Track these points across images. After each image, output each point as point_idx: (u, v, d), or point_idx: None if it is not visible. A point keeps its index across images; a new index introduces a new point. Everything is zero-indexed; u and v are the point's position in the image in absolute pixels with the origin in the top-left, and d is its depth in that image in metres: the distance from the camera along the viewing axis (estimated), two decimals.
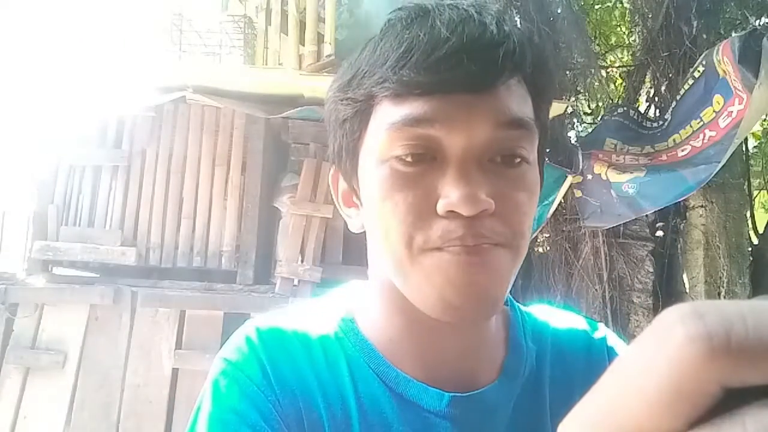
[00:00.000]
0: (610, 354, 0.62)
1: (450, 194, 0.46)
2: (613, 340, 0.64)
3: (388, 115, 0.49)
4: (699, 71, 2.59)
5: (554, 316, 0.65)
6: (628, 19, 4.24)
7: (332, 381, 0.54)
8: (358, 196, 0.55)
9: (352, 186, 0.56)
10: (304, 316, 0.59)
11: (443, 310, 0.48)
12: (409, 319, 0.54)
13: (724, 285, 3.04)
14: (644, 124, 2.88)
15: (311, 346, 0.56)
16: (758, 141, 4.41)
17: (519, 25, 0.54)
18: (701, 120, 2.53)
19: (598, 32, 4.32)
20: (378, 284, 0.57)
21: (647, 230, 3.26)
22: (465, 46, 0.46)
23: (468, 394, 0.54)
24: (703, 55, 2.60)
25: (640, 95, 3.72)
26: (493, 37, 0.48)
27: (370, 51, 0.51)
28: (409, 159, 0.48)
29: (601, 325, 0.66)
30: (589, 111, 4.02)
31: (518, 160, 0.50)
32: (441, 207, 0.47)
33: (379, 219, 0.50)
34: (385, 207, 0.49)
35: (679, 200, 2.82)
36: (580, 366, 0.60)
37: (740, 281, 3.04)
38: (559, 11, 3.49)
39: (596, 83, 3.58)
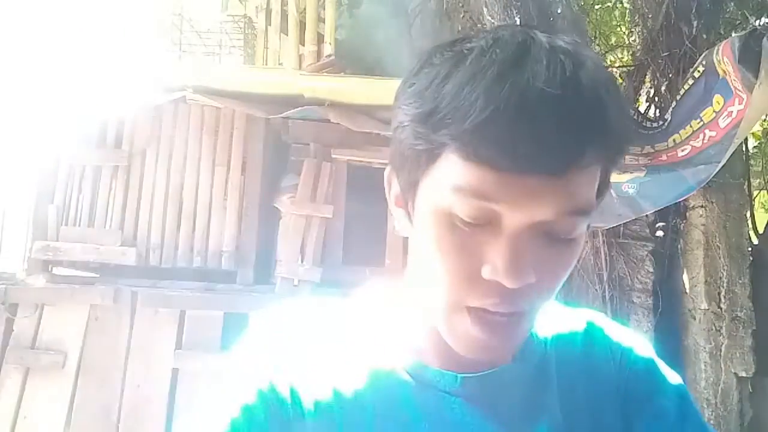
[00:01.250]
0: (605, 338, 0.66)
1: (498, 264, 0.47)
2: (604, 323, 0.68)
3: (455, 175, 0.48)
4: (699, 71, 2.59)
5: (558, 310, 0.68)
6: (628, 19, 4.24)
7: (351, 367, 0.59)
8: (409, 212, 0.56)
9: (406, 204, 0.56)
10: (336, 308, 0.65)
11: (463, 353, 0.54)
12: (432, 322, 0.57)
13: (724, 285, 3.04)
14: (644, 124, 2.88)
15: (336, 334, 0.62)
16: (758, 141, 4.41)
17: (612, 89, 0.48)
18: (701, 120, 2.53)
19: (598, 32, 4.32)
20: (409, 285, 0.61)
21: (647, 230, 3.26)
22: (553, 127, 0.44)
23: (480, 373, 0.58)
24: (703, 55, 2.59)
25: (640, 95, 3.72)
26: (586, 119, 0.45)
27: (454, 86, 0.47)
28: (467, 220, 0.48)
29: (592, 313, 0.70)
30: None
31: (570, 237, 0.50)
32: (486, 272, 0.48)
33: (426, 257, 0.52)
34: (435, 255, 0.50)
35: (679, 200, 2.82)
36: (578, 349, 0.64)
37: (740, 281, 3.04)
38: (559, 11, 3.49)
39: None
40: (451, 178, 0.48)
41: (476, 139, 0.45)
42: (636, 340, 0.67)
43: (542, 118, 0.44)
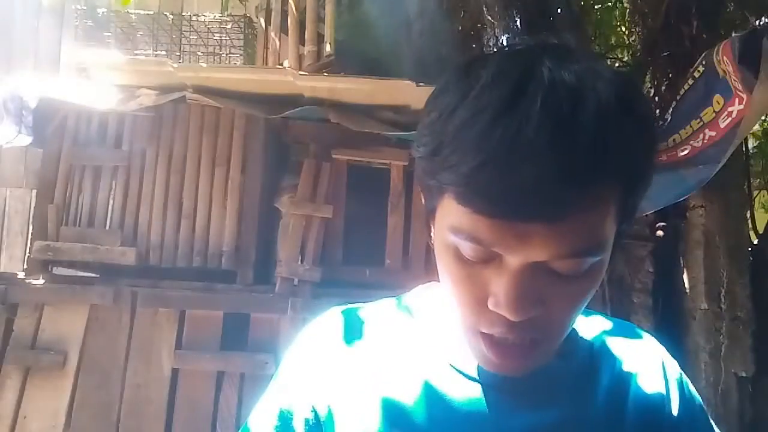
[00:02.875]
0: (665, 370, 0.66)
1: (499, 296, 0.49)
2: (659, 346, 0.69)
3: (454, 218, 0.49)
4: (699, 71, 2.58)
5: (607, 320, 0.70)
6: (628, 19, 4.24)
7: (395, 363, 0.62)
8: (432, 231, 0.58)
9: (429, 221, 0.59)
10: (391, 307, 0.69)
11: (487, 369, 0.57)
12: None
13: (724, 285, 3.04)
14: None
15: (382, 334, 0.65)
16: (758, 141, 4.41)
17: (623, 122, 0.45)
18: (701, 120, 2.53)
19: (598, 32, 4.31)
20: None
21: (647, 230, 3.26)
22: (541, 176, 0.43)
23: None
24: (703, 55, 2.59)
25: None
26: (580, 164, 0.43)
27: (456, 126, 0.47)
28: (469, 258, 0.50)
29: (655, 341, 0.71)
30: None
31: (581, 273, 0.49)
32: (490, 304, 0.50)
33: (441, 278, 0.56)
34: (447, 281, 0.54)
35: (679, 200, 2.81)
36: (632, 364, 0.65)
37: (740, 281, 3.04)
38: (559, 11, 3.49)
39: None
40: (450, 220, 0.50)
41: (469, 187, 0.46)
42: (690, 384, 0.68)
43: (531, 168, 0.42)
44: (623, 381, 0.63)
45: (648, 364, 0.65)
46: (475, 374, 0.60)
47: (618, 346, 0.66)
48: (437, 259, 0.56)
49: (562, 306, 0.50)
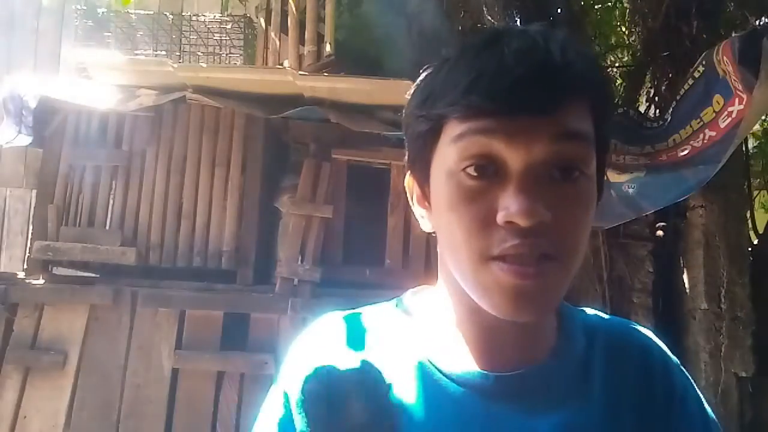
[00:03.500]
0: (659, 359, 0.66)
1: (509, 206, 0.51)
2: (658, 344, 0.69)
3: (456, 129, 0.54)
4: (699, 71, 2.58)
5: (605, 318, 0.71)
6: (628, 19, 4.24)
7: (385, 372, 0.61)
8: (428, 201, 0.61)
9: (424, 191, 0.61)
10: (377, 312, 0.69)
11: (499, 313, 0.54)
12: (471, 310, 0.60)
13: (724, 285, 3.04)
14: (644, 124, 2.88)
15: (371, 334, 0.66)
16: (758, 141, 4.41)
17: (583, 51, 0.56)
18: (701, 120, 2.53)
19: (598, 32, 4.31)
20: (444, 281, 0.64)
21: (647, 230, 3.26)
22: (528, 74, 0.51)
23: (512, 373, 0.60)
24: (703, 55, 2.59)
25: (640, 95, 3.72)
26: (556, 66, 0.52)
27: (444, 73, 0.56)
28: (473, 172, 0.53)
29: (655, 338, 0.70)
30: None
31: (576, 173, 0.54)
32: (500, 218, 0.52)
33: (446, 227, 0.56)
34: (452, 217, 0.55)
35: (679, 200, 2.81)
36: (633, 368, 0.65)
37: (740, 281, 3.04)
38: (559, 11, 3.49)
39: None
40: (453, 135, 0.54)
41: (468, 97, 0.52)
42: (682, 368, 0.68)
43: (520, 70, 0.51)
44: (620, 380, 0.63)
45: (645, 362, 0.65)
46: (466, 380, 0.60)
47: (615, 344, 0.67)
48: (439, 208, 0.57)
49: (566, 215, 0.53)
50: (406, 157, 0.63)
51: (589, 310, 0.71)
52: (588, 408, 0.60)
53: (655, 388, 0.64)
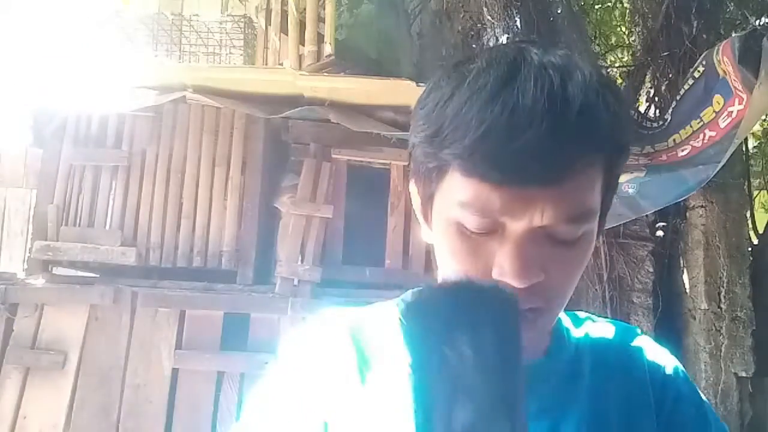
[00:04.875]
0: (649, 363, 0.66)
1: (504, 266, 0.51)
2: (651, 347, 0.69)
3: (459, 191, 0.52)
4: (699, 71, 2.58)
5: (597, 321, 0.71)
6: (628, 19, 4.24)
7: (380, 368, 0.62)
8: (429, 223, 0.60)
9: (425, 213, 0.61)
10: (377, 311, 0.69)
11: None
12: None
13: (724, 285, 3.04)
14: (644, 124, 2.88)
15: (366, 333, 0.65)
16: (758, 141, 4.41)
17: (605, 94, 0.51)
18: (701, 120, 2.53)
19: (598, 32, 4.32)
20: None
21: (647, 230, 3.26)
22: (540, 141, 0.47)
23: None
24: (703, 55, 2.59)
25: (640, 95, 3.72)
26: (572, 131, 0.48)
27: (454, 107, 0.51)
28: (474, 231, 0.53)
29: (639, 333, 0.71)
30: None
31: (576, 238, 0.53)
32: (495, 274, 0.52)
33: (444, 262, 0.57)
34: (450, 259, 0.55)
35: (679, 200, 2.82)
36: (621, 371, 0.65)
37: (740, 281, 3.04)
38: (559, 11, 3.49)
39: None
40: (456, 194, 0.52)
41: (473, 156, 0.49)
42: (679, 371, 0.68)
43: (531, 133, 0.47)
44: (607, 380, 0.64)
45: (634, 364, 0.66)
46: None
47: (605, 345, 0.67)
48: (438, 245, 0.57)
49: (561, 274, 0.53)
50: (411, 170, 0.62)
51: (582, 314, 0.72)
52: (574, 406, 0.61)
53: (644, 389, 0.64)
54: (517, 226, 0.51)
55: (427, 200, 0.59)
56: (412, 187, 0.64)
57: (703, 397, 0.67)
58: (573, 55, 0.55)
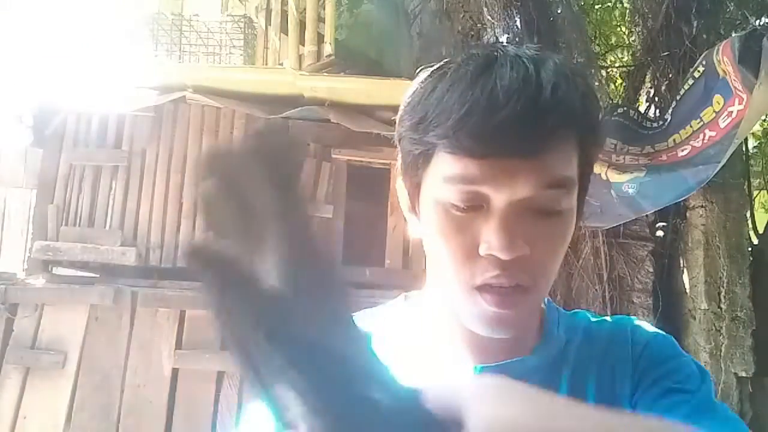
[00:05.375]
0: (633, 334, 0.68)
1: (491, 240, 0.54)
2: (640, 328, 0.69)
3: (446, 168, 0.56)
4: (699, 71, 2.58)
5: (594, 317, 0.72)
6: (628, 19, 4.24)
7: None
8: (417, 213, 0.63)
9: (413, 203, 0.64)
10: (368, 317, 0.70)
11: (480, 332, 0.60)
12: (454, 315, 0.63)
13: (724, 285, 3.04)
14: (644, 124, 2.88)
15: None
16: (758, 141, 4.42)
17: (576, 81, 0.57)
18: (701, 120, 2.53)
19: (598, 32, 4.32)
20: (432, 284, 0.67)
21: (647, 230, 3.26)
22: (517, 115, 0.52)
23: (496, 364, 0.63)
24: (703, 55, 2.59)
25: (640, 95, 3.72)
26: (546, 106, 0.53)
27: (437, 97, 0.56)
28: (461, 206, 0.56)
29: (632, 319, 0.72)
30: None
31: (557, 210, 0.56)
32: (482, 250, 0.55)
33: (433, 247, 0.60)
34: (440, 242, 0.58)
35: (679, 200, 2.82)
36: (601, 346, 0.67)
37: (740, 281, 3.04)
38: (559, 11, 3.49)
39: (596, 83, 3.58)
40: (443, 172, 0.56)
41: (457, 134, 0.53)
42: (662, 337, 0.69)
43: (509, 109, 0.52)
44: (588, 366, 0.65)
45: (620, 343, 0.66)
46: (449, 370, 0.63)
47: (593, 336, 0.68)
48: (426, 230, 0.60)
49: (545, 249, 0.56)
50: (399, 166, 0.65)
51: (583, 312, 0.73)
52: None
53: (625, 365, 0.65)
54: (500, 199, 0.54)
55: (415, 190, 0.62)
56: (399, 184, 0.67)
57: (691, 366, 0.66)
58: (544, 49, 0.59)
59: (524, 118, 0.52)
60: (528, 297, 0.57)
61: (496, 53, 0.57)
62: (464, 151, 0.54)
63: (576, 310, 0.74)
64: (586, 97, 0.57)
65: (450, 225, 0.56)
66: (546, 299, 0.70)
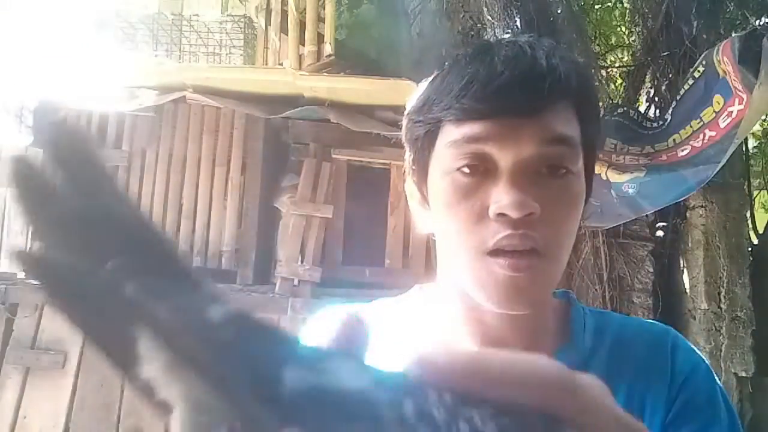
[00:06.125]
0: (673, 352, 0.65)
1: (500, 199, 0.55)
2: (681, 345, 0.67)
3: (451, 134, 0.58)
4: (699, 71, 2.58)
5: (624, 320, 0.71)
6: (628, 19, 4.24)
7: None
8: (427, 201, 0.64)
9: (423, 193, 0.64)
10: (380, 308, 0.71)
11: (493, 304, 0.58)
12: (470, 308, 0.62)
13: (724, 285, 3.04)
14: (644, 124, 2.88)
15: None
16: (758, 141, 4.41)
17: (568, 57, 0.60)
18: (701, 120, 2.53)
19: (598, 32, 4.31)
20: (443, 280, 0.66)
21: (647, 230, 3.26)
22: (516, 79, 0.55)
23: None
24: (703, 55, 2.59)
25: (640, 95, 3.72)
26: (542, 71, 0.56)
27: (439, 81, 0.60)
28: (467, 171, 0.57)
29: (670, 330, 0.69)
30: None
31: (563, 171, 0.57)
32: (492, 210, 0.55)
33: (444, 223, 0.60)
34: (449, 213, 0.58)
35: (679, 200, 2.81)
36: (635, 359, 0.65)
37: (740, 281, 3.04)
38: (559, 11, 3.49)
39: (596, 83, 3.58)
40: (448, 138, 0.58)
41: (461, 103, 0.56)
42: (704, 370, 0.66)
43: (507, 75, 0.55)
44: (615, 382, 0.61)
45: (651, 365, 0.64)
46: None
47: (619, 342, 0.66)
48: (436, 206, 0.60)
49: (554, 209, 0.56)
50: (406, 161, 0.66)
51: (611, 313, 0.72)
52: None
53: (661, 388, 0.63)
54: (506, 158, 0.56)
55: (423, 176, 0.63)
56: (408, 183, 0.68)
57: (725, 407, 0.64)
58: (538, 37, 0.63)
59: (522, 80, 0.55)
60: (542, 263, 0.56)
61: (493, 40, 0.61)
62: (468, 114, 0.56)
63: (602, 310, 0.72)
64: (579, 68, 0.60)
65: (459, 191, 0.57)
66: (573, 296, 0.71)
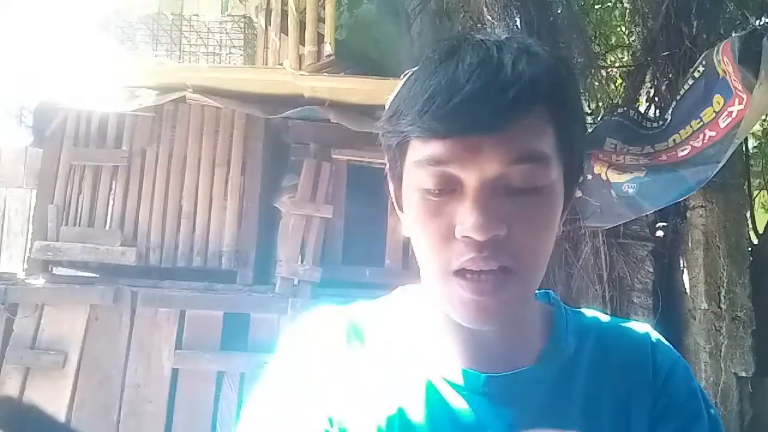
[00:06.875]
0: (654, 352, 0.65)
1: (465, 221, 0.53)
2: (661, 345, 0.67)
3: (417, 153, 0.56)
4: (699, 71, 2.58)
5: (604, 319, 0.70)
6: (628, 19, 4.23)
7: (377, 370, 0.62)
8: (402, 209, 0.64)
9: (398, 200, 0.64)
10: (369, 310, 0.70)
11: (463, 323, 0.58)
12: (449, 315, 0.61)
13: (724, 285, 3.03)
14: (644, 124, 2.87)
15: (362, 334, 0.66)
16: (758, 141, 4.41)
17: (539, 58, 0.56)
18: (701, 120, 2.53)
19: (598, 32, 4.31)
20: (424, 282, 0.64)
21: (647, 230, 3.26)
22: (478, 93, 0.52)
23: (502, 374, 0.60)
24: (703, 55, 2.59)
25: (640, 95, 3.71)
26: (507, 79, 0.52)
27: (407, 89, 0.58)
28: (434, 190, 0.55)
29: (650, 329, 0.70)
30: (589, 111, 4.02)
31: (532, 188, 0.55)
32: (458, 232, 0.54)
33: (414, 236, 0.59)
34: (418, 230, 0.58)
35: (679, 200, 2.81)
36: (618, 360, 0.64)
37: (740, 281, 3.04)
38: (559, 11, 3.49)
39: (596, 83, 3.58)
40: (415, 157, 0.56)
41: (423, 117, 0.53)
42: (682, 367, 0.66)
43: (469, 87, 0.52)
44: (602, 384, 0.62)
45: (640, 363, 0.64)
46: (456, 379, 0.61)
47: (603, 344, 0.65)
48: (408, 219, 0.60)
49: (523, 228, 0.54)
50: (386, 164, 0.66)
51: (590, 312, 0.71)
52: (567, 412, 0.60)
53: (645, 390, 0.63)
54: (471, 178, 0.53)
55: (398, 184, 0.62)
56: (389, 185, 0.67)
57: (704, 404, 0.64)
58: (515, 34, 0.60)
59: (484, 94, 0.52)
60: (512, 282, 0.55)
61: (461, 40, 0.57)
62: (430, 133, 0.54)
63: (581, 309, 0.71)
64: (553, 71, 0.56)
65: (426, 210, 0.56)
66: (554, 296, 0.69)
